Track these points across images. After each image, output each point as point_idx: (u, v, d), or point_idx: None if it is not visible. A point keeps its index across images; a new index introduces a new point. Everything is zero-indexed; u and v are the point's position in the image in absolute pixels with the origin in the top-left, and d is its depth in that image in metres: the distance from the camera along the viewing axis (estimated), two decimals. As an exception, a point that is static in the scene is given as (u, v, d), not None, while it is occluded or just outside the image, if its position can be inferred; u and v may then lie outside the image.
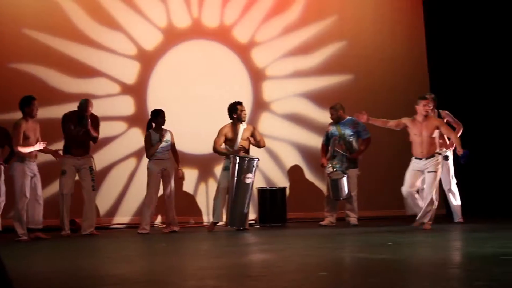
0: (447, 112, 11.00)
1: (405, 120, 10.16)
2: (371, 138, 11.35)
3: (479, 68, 13.35)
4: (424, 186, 10.10)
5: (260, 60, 12.95)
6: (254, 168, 10.58)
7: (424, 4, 14.14)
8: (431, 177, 9.92)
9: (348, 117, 11.28)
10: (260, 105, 12.76)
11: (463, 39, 13.57)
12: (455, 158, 10.50)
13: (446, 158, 10.61)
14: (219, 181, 10.88)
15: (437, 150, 10.05)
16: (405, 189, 10.17)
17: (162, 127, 10.62)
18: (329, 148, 11.25)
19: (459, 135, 10.62)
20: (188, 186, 12.11)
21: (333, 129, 11.32)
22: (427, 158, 9.96)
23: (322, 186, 12.03)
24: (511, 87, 13.10)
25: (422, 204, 10.07)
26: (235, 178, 10.45)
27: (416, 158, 10.06)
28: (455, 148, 10.50)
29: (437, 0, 13.86)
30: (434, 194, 9.91)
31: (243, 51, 12.84)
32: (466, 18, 13.53)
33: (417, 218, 10.11)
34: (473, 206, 12.04)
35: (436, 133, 10.10)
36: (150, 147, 10.56)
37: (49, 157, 10.23)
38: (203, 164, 12.25)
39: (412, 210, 10.29)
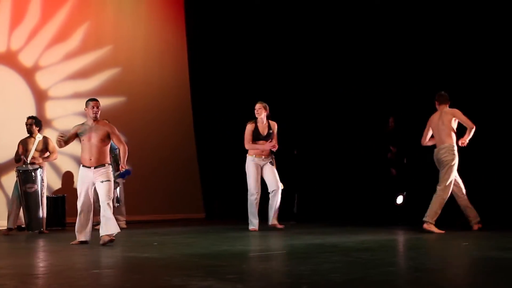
0: (275, 123, 10.42)
1: (77, 127, 8.31)
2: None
3: (234, 91, 13.87)
4: (100, 197, 8.21)
5: (44, 82, 12.75)
6: (34, 178, 10.46)
7: (188, 37, 14.58)
8: (106, 187, 8.10)
9: None
10: (43, 122, 12.52)
11: (222, 66, 14.18)
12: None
13: (271, 163, 10.26)
14: (13, 191, 10.71)
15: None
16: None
17: None
18: None
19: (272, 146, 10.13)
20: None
21: None
22: (95, 167, 8.12)
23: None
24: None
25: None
26: (20, 189, 10.39)
27: (84, 166, 8.21)
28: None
29: (199, 35, 14.39)
30: (111, 202, 8.20)
31: (28, 74, 12.57)
32: (224, 47, 14.20)
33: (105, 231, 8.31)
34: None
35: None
36: None
37: None
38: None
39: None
